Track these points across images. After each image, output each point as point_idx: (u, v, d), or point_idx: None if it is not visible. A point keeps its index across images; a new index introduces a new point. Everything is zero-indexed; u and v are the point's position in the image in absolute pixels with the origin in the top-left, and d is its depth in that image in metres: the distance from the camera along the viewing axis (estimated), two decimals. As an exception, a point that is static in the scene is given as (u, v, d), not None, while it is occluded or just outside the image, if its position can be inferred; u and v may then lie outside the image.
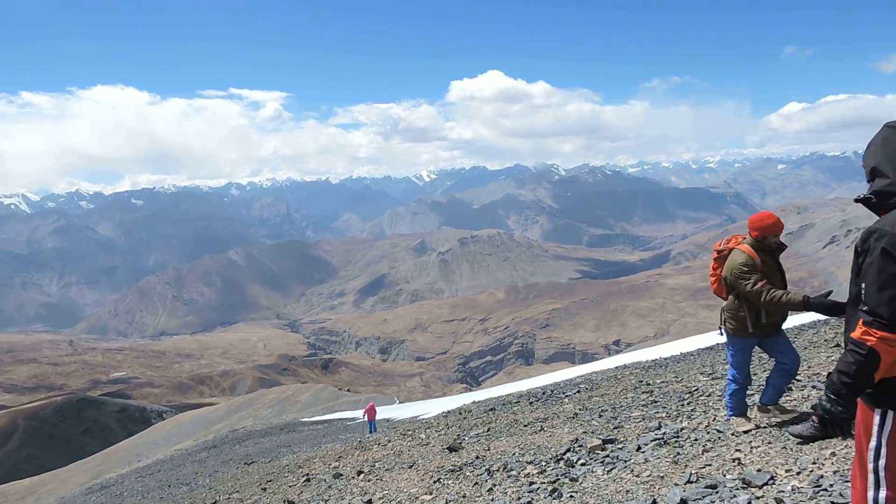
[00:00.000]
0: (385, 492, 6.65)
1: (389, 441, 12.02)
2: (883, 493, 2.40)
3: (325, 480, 9.35)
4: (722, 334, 5.18)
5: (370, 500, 6.28)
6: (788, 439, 4.58)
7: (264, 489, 10.96)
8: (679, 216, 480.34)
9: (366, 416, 23.70)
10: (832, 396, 2.41)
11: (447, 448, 8.28)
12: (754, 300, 4.69)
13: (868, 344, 2.27)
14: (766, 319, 4.85)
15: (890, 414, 2.37)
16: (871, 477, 2.42)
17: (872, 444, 2.42)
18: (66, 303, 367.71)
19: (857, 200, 2.51)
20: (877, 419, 2.41)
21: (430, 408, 28.02)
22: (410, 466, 8.01)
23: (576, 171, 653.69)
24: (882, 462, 2.39)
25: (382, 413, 28.72)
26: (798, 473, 3.88)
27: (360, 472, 8.68)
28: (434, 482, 6.44)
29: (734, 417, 5.28)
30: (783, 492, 3.64)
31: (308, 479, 10.11)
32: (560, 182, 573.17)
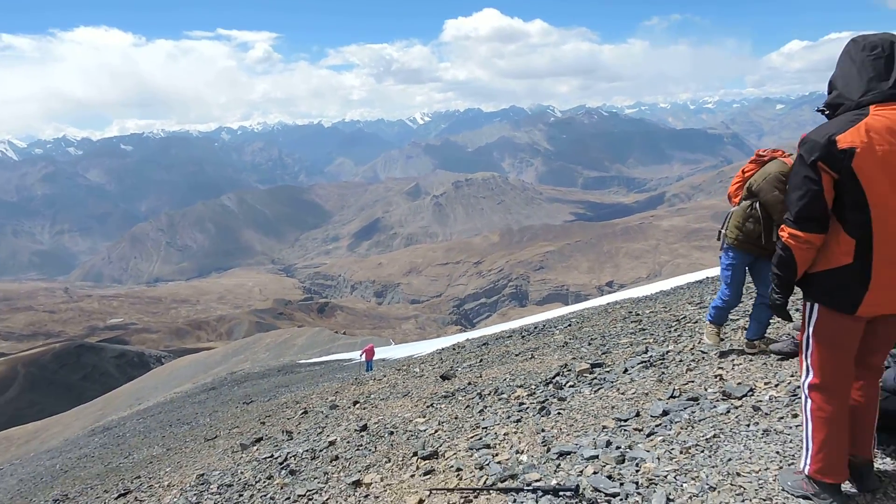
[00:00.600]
0: (380, 417, 6.84)
1: (385, 376, 12.28)
2: (808, 379, 2.64)
3: (321, 412, 9.59)
4: (720, 240, 4.99)
5: (365, 424, 6.46)
6: (770, 357, 4.71)
7: (263, 423, 11.24)
8: (675, 158, 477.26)
9: (363, 356, 24.11)
10: (773, 287, 2.69)
11: (440, 377, 8.49)
12: (778, 211, 4.41)
13: (783, 240, 2.55)
14: (776, 237, 4.78)
15: (816, 307, 2.59)
16: (803, 365, 2.66)
17: (804, 335, 2.67)
18: (59, 250, 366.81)
19: (817, 110, 2.62)
20: (807, 312, 2.65)
21: (425, 347, 28.50)
22: (405, 395, 8.22)
23: (572, 113, 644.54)
24: (809, 351, 2.64)
25: (378, 354, 29.22)
26: (776, 385, 4.01)
27: (355, 403, 8.91)
28: (427, 407, 6.63)
29: (709, 324, 5.19)
30: (761, 401, 3.78)
31: (305, 412, 10.36)
32: (556, 124, 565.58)
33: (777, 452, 3.06)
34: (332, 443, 6.24)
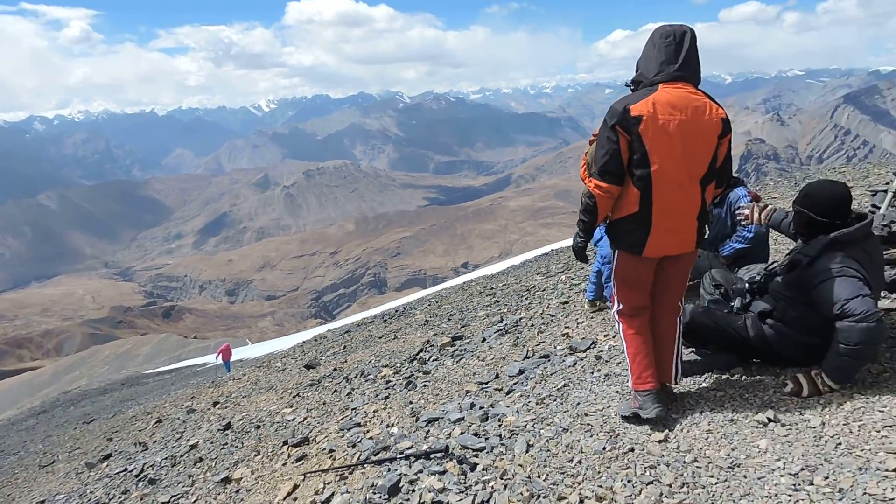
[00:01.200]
0: (244, 414, 6.63)
1: (244, 375, 11.83)
2: (617, 308, 3.22)
3: (178, 419, 9.05)
4: None
5: (229, 423, 6.24)
6: (608, 313, 5.25)
7: (110, 439, 10.35)
8: (519, 140, 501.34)
9: (219, 358, 22.93)
10: (578, 232, 3.11)
11: (305, 367, 8.38)
12: None
13: (589, 190, 2.95)
14: None
15: (617, 251, 3.10)
16: (614, 299, 3.23)
17: (612, 275, 3.21)
18: None
19: (626, 85, 3.10)
20: (613, 256, 3.15)
21: (286, 343, 27.74)
22: (269, 389, 8.02)
23: (420, 99, 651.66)
24: (616, 287, 3.20)
25: (235, 355, 27.91)
26: (614, 336, 4.50)
27: (215, 404, 8.53)
28: (293, 397, 6.54)
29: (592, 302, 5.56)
30: (602, 351, 4.23)
31: (160, 421, 9.71)
32: (405, 110, 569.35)
33: (616, 391, 3.47)
34: (193, 446, 5.96)
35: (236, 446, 5.26)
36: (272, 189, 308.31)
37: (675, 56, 2.83)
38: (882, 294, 3.88)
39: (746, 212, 3.58)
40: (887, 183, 4.68)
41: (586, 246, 3.15)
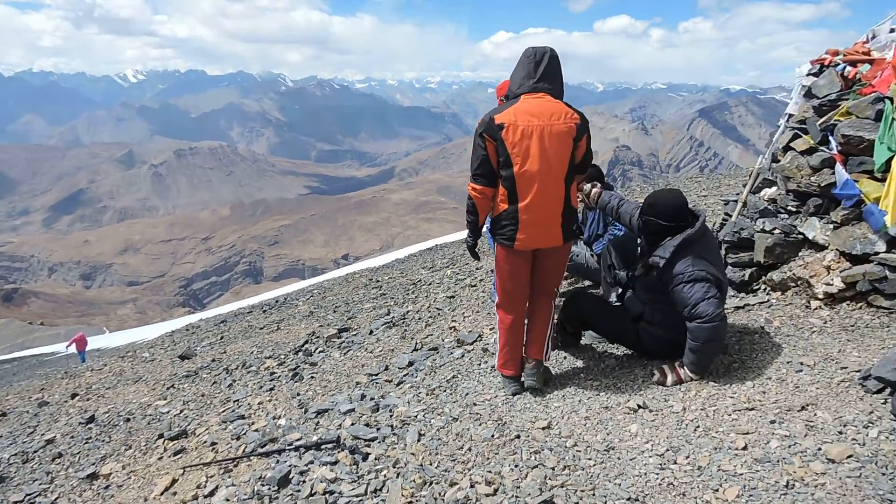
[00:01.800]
0: (110, 406, 6.18)
1: (105, 365, 10.97)
2: (496, 301, 3.60)
3: (27, 412, 8.23)
4: None
5: (92, 416, 5.78)
6: (492, 306, 5.49)
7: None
8: (403, 133, 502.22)
9: (72, 347, 21.07)
10: (468, 232, 3.49)
11: (179, 357, 7.95)
12: None
13: (469, 192, 3.32)
14: None
15: (495, 245, 3.44)
16: (493, 290, 3.62)
17: (494, 268, 3.55)
18: None
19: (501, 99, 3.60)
20: (492, 250, 3.47)
21: (150, 332, 26.02)
22: (137, 381, 7.52)
23: (304, 83, 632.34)
24: (495, 279, 3.56)
25: (91, 344, 25.71)
26: (499, 330, 4.72)
27: (74, 396, 7.85)
28: (167, 389, 6.20)
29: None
30: (488, 343, 4.43)
31: (4, 415, 8.78)
32: (287, 93, 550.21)
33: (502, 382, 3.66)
34: (50, 441, 5.46)
35: (103, 440, 4.91)
36: (138, 167, 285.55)
37: (535, 71, 3.22)
38: (730, 293, 4.42)
39: (587, 187, 3.99)
40: (737, 194, 5.30)
41: (475, 244, 3.47)
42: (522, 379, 3.53)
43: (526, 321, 3.58)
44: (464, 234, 6.24)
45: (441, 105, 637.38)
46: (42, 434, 5.87)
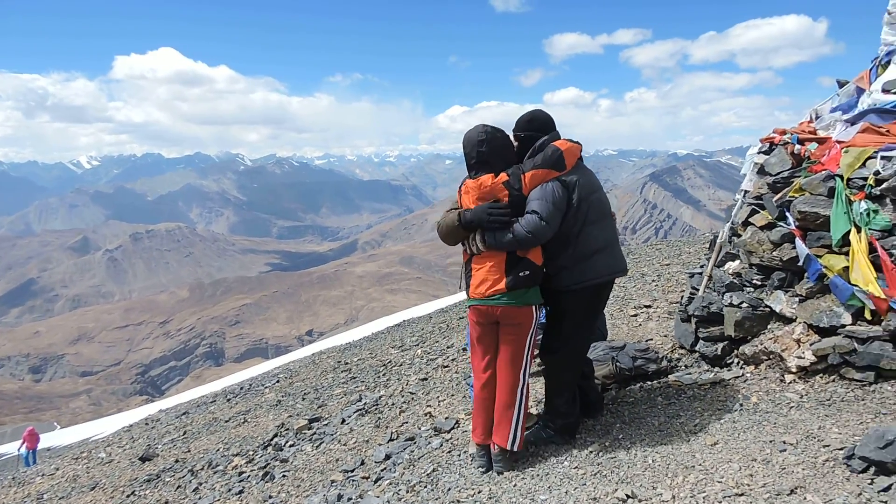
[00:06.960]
0: (63, 521, 5.77)
1: (58, 469, 10.31)
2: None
3: (-31, 531, 7.62)
4: None
5: (44, 534, 5.38)
6: (467, 390, 5.40)
7: None
8: (364, 207, 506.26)
9: (23, 447, 19.77)
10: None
11: (139, 459, 7.53)
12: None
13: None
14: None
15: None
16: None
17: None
18: None
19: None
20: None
21: (106, 426, 24.73)
22: (93, 488, 7.06)
23: (262, 162, 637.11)
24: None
25: (41, 442, 24.16)
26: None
27: (22, 510, 7.32)
28: (127, 496, 5.84)
29: None
30: (466, 431, 4.32)
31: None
32: (246, 172, 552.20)
33: (486, 473, 3.55)
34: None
35: (56, 565, 4.55)
36: (92, 253, 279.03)
37: (469, 158, 3.66)
38: (705, 368, 4.46)
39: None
40: (701, 266, 5.41)
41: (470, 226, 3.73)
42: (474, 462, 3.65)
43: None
44: (427, 307, 6.17)
45: (400, 178, 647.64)
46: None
